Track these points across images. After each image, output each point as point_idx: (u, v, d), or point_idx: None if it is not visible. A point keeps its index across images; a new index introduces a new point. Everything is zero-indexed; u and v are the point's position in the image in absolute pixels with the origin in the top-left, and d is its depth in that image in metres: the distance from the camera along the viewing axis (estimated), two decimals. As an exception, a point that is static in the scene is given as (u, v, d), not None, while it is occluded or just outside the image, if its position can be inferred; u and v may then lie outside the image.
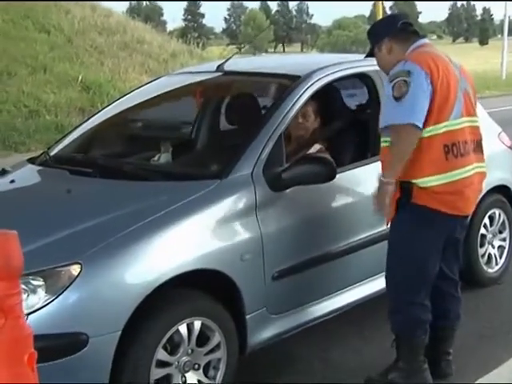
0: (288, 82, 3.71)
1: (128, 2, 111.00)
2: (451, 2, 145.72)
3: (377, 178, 3.14)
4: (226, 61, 4.17)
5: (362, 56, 4.99)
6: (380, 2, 14.73)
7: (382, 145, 3.25)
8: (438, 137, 3.08)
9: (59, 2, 15.95)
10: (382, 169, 3.21)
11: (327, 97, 3.92)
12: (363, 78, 4.06)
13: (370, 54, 3.46)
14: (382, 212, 3.20)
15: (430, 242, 3.20)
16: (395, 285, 3.29)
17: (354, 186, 3.71)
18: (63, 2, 16.09)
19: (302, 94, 3.61)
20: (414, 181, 3.09)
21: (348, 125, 4.03)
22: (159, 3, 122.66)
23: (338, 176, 3.40)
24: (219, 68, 4.13)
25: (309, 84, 3.67)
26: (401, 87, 3.02)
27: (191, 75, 4.69)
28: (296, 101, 3.56)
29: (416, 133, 3.02)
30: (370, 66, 4.10)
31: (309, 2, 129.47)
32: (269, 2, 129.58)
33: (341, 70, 3.96)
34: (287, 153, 3.43)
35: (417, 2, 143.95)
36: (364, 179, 3.76)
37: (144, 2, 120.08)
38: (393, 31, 3.32)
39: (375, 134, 3.92)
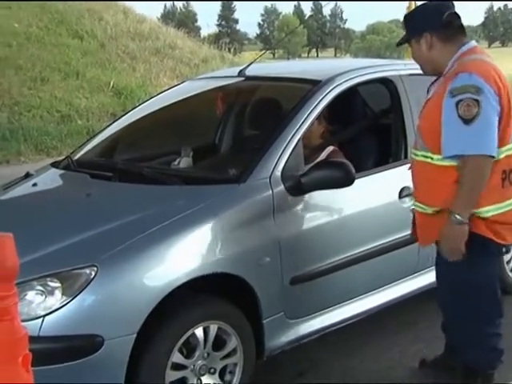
0: (309, 87, 3.70)
1: (162, 9, 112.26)
2: (487, 6, 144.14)
3: (448, 214, 2.78)
4: (248, 66, 4.18)
5: (392, 61, 5.00)
6: (413, 2, 14.64)
7: (419, 159, 2.97)
8: (498, 162, 2.80)
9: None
10: (419, 191, 3.02)
11: (347, 101, 3.90)
12: (385, 83, 4.03)
13: (403, 43, 3.08)
14: (454, 256, 2.85)
15: (493, 269, 3.00)
16: (470, 317, 3.03)
17: (373, 192, 3.68)
18: (94, 6, 16.31)
19: (323, 98, 3.59)
20: (474, 211, 2.80)
21: (369, 130, 4.01)
22: (194, 9, 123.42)
23: (357, 181, 3.37)
24: (241, 73, 4.14)
25: (329, 89, 3.65)
26: (470, 107, 2.66)
27: (213, 80, 4.70)
28: (316, 105, 3.55)
29: (490, 164, 2.73)
30: (393, 70, 4.10)
31: (343, 7, 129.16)
32: (302, 7, 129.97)
33: (362, 75, 3.94)
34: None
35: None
36: (384, 185, 3.74)
37: (178, 8, 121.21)
38: (436, 25, 2.90)
39: (397, 140, 3.92)
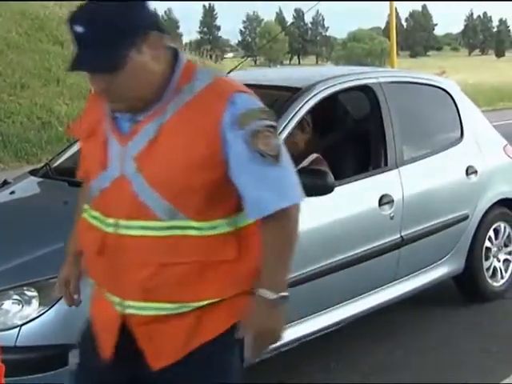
0: (289, 94, 3.70)
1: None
2: (467, 14, 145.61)
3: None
4: (228, 73, 4.16)
5: (373, 68, 5.02)
6: (394, 4, 14.87)
7: (161, 234, 1.79)
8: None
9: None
10: (160, 287, 1.80)
11: (328, 109, 3.91)
12: (365, 90, 4.04)
13: (113, 67, 1.72)
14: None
15: None
16: None
17: (354, 199, 3.68)
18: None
19: (303, 105, 3.60)
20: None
21: (349, 137, 4.01)
22: (176, 17, 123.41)
23: (337, 189, 3.38)
24: (221, 80, 4.11)
25: (309, 96, 3.66)
26: (269, 138, 1.77)
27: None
28: (296, 112, 3.55)
29: None
30: (373, 78, 4.11)
31: (324, 15, 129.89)
32: (284, 15, 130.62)
33: (343, 83, 3.95)
34: None
35: (432, 14, 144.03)
36: (364, 192, 3.74)
37: (160, 15, 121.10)
38: (156, 24, 1.78)
39: (376, 147, 3.93)
